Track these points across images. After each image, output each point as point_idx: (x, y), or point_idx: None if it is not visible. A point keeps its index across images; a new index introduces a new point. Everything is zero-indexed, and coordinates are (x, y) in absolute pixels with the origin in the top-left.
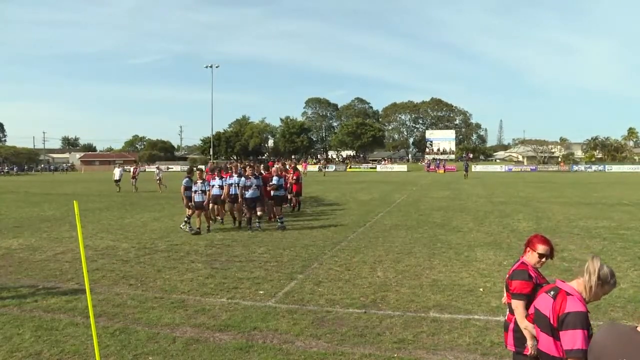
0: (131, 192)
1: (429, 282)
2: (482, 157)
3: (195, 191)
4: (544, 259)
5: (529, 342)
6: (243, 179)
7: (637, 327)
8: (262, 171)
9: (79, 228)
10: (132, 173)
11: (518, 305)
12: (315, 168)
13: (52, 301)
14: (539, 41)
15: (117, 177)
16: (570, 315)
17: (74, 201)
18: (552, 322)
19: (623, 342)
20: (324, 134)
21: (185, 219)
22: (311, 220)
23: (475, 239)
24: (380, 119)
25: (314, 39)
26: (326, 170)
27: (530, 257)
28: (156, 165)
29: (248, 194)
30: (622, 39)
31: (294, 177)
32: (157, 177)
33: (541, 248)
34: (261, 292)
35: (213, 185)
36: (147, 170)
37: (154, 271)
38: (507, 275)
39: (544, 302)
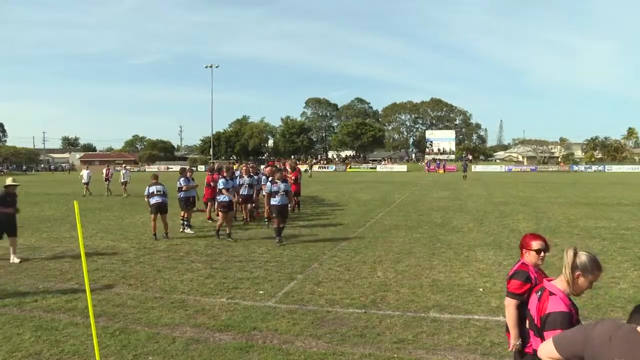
0: (103, 195)
1: (429, 282)
2: (482, 157)
3: (152, 193)
4: (542, 254)
5: (512, 341)
6: (269, 183)
7: (637, 327)
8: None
9: (79, 228)
10: (104, 175)
11: (510, 303)
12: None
13: (52, 301)
14: (539, 41)
15: (85, 179)
16: (551, 316)
17: (74, 201)
18: (536, 322)
19: (623, 342)
20: (324, 134)
21: (185, 222)
22: (311, 220)
23: (475, 239)
24: (380, 119)
25: (314, 39)
26: (312, 170)
27: (530, 257)
28: (123, 166)
29: (275, 200)
30: (622, 39)
31: (292, 177)
32: (123, 180)
33: (536, 244)
34: (261, 292)
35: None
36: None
37: (154, 271)
38: (508, 275)
39: (532, 303)
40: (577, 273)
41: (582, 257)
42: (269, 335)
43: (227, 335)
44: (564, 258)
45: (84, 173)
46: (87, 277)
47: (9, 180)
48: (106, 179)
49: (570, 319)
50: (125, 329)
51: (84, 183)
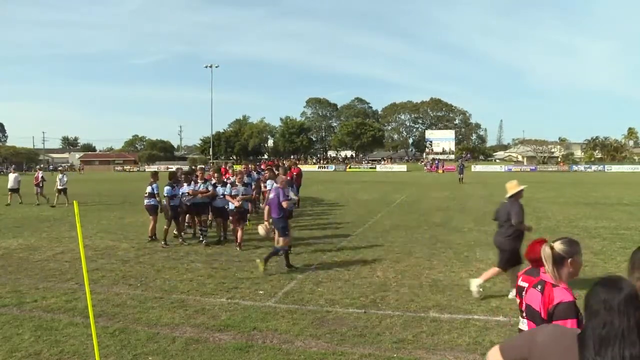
0: (34, 204)
1: (429, 282)
2: (481, 157)
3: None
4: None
5: None
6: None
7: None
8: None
9: (79, 228)
10: (35, 179)
11: None
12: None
13: (52, 301)
14: (539, 41)
15: (12, 184)
16: (560, 307)
17: (74, 201)
18: (543, 316)
19: (567, 348)
20: (323, 134)
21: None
22: (311, 220)
23: (475, 239)
24: (380, 119)
25: (314, 39)
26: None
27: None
28: (60, 169)
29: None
30: (622, 40)
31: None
32: (61, 187)
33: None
34: (261, 292)
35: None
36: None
37: (154, 271)
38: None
39: (534, 298)
40: (569, 260)
41: (560, 245)
42: (268, 335)
43: (227, 335)
44: (542, 255)
45: (11, 177)
46: (87, 277)
47: (515, 186)
48: (37, 184)
49: (576, 306)
50: (125, 329)
51: (10, 189)
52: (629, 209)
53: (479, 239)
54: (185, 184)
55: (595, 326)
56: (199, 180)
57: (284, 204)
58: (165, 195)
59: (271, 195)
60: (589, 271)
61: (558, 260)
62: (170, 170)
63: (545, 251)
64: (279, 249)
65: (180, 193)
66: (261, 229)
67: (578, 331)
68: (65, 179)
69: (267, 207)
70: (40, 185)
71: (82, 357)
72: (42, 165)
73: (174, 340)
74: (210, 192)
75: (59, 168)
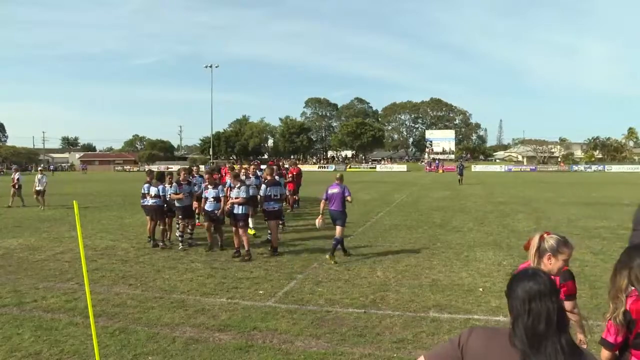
0: (8, 207)
1: (429, 282)
2: (481, 157)
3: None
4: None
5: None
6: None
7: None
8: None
9: (79, 228)
10: (12, 181)
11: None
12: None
13: (52, 301)
14: (539, 41)
15: None
16: None
17: (74, 201)
18: None
19: (501, 350)
20: (323, 134)
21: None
22: (311, 220)
23: (475, 239)
24: (380, 119)
25: (314, 39)
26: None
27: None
28: (39, 169)
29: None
30: (622, 40)
31: (289, 176)
32: (39, 188)
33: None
34: (261, 292)
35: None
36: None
37: (154, 271)
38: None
39: None
40: (548, 254)
41: (549, 239)
42: (268, 335)
43: (227, 335)
44: (531, 241)
45: None
46: (87, 277)
47: None
48: (14, 186)
49: None
50: (125, 329)
51: None
52: (629, 209)
53: (479, 239)
54: (167, 186)
55: (531, 321)
56: (181, 182)
57: (349, 199)
58: (162, 194)
59: (336, 190)
60: (589, 271)
61: (541, 252)
62: (166, 170)
63: (535, 238)
64: (339, 239)
65: (167, 193)
66: (318, 222)
67: (507, 329)
68: (44, 180)
69: (323, 202)
70: (16, 187)
71: (82, 357)
72: (15, 167)
73: (174, 340)
74: (186, 197)
75: (39, 169)
